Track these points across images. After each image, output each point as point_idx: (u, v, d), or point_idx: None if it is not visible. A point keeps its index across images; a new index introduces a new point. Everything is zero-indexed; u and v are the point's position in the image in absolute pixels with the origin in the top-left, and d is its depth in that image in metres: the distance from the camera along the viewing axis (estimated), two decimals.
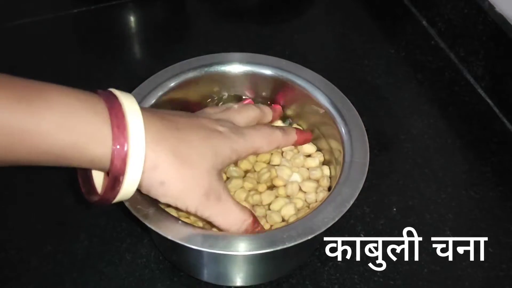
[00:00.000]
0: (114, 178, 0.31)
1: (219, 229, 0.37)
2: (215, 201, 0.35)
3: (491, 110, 0.57)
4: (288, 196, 0.43)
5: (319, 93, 0.45)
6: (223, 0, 0.71)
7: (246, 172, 0.44)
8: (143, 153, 0.31)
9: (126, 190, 0.32)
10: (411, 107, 0.58)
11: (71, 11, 0.67)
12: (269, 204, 0.42)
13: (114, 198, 0.32)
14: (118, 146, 0.30)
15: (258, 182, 0.43)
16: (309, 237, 0.35)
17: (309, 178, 0.44)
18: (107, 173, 0.32)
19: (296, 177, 0.43)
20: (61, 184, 0.49)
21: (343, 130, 0.42)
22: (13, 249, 0.44)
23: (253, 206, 0.42)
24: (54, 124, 0.29)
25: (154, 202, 0.37)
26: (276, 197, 0.42)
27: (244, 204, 0.41)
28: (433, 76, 0.61)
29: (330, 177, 0.44)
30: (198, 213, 0.35)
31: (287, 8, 0.70)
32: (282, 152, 0.46)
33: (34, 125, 0.28)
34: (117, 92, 0.32)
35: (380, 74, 0.61)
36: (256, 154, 0.41)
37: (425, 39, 0.65)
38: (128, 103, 0.32)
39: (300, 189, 0.43)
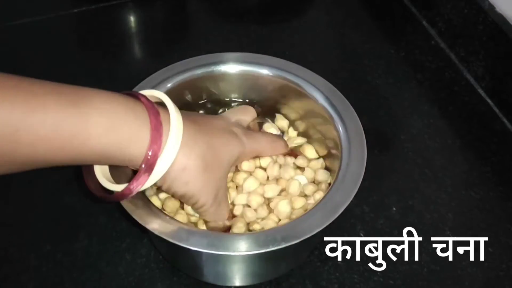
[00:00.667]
0: (140, 176, 0.33)
1: (205, 221, 0.40)
2: (218, 203, 0.39)
3: (491, 110, 0.57)
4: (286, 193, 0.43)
5: (318, 94, 0.45)
6: (223, 0, 0.71)
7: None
8: (174, 156, 0.33)
9: (145, 186, 0.34)
10: (411, 107, 0.58)
11: (71, 11, 0.67)
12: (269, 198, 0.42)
13: (132, 193, 0.34)
14: (150, 151, 0.32)
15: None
16: (307, 237, 0.35)
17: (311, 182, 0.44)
18: (133, 171, 0.35)
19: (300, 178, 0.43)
20: (61, 184, 0.49)
21: (341, 131, 0.42)
22: (12, 248, 0.44)
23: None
24: (101, 127, 0.31)
25: (153, 204, 0.37)
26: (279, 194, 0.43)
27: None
28: (433, 76, 0.61)
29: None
30: (202, 209, 0.38)
31: (287, 8, 0.70)
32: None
33: (83, 128, 0.30)
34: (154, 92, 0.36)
35: (380, 74, 0.61)
36: (258, 157, 0.44)
37: (425, 39, 0.65)
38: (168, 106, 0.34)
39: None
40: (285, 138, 0.47)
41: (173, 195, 0.38)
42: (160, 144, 0.33)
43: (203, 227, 0.40)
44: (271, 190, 0.42)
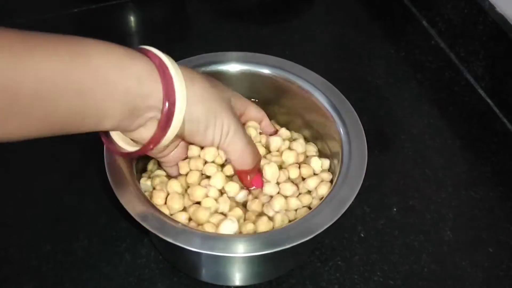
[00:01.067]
0: (164, 121, 0.33)
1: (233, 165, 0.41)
2: (242, 134, 0.39)
3: (491, 110, 0.57)
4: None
5: (319, 94, 0.45)
6: (223, 0, 0.71)
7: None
8: (185, 102, 0.34)
9: (172, 132, 0.34)
10: (411, 107, 0.58)
11: (71, 11, 0.67)
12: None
13: (160, 140, 0.34)
14: (167, 102, 0.33)
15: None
16: (308, 238, 0.35)
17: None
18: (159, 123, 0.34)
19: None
20: (61, 184, 0.49)
21: (341, 132, 0.42)
22: (12, 249, 0.44)
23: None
24: (111, 70, 0.31)
25: (153, 205, 0.37)
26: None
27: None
28: (433, 76, 0.61)
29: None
30: (228, 137, 0.38)
31: (287, 8, 0.70)
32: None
33: (93, 77, 0.30)
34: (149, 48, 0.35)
35: (380, 74, 0.61)
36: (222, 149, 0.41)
37: (425, 39, 0.65)
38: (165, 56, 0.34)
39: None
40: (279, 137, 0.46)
41: (193, 137, 0.37)
42: (174, 92, 0.33)
43: (208, 228, 0.40)
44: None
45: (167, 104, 0.33)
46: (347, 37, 0.67)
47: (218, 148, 0.39)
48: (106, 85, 0.31)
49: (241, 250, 0.34)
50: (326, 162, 0.44)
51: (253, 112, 0.44)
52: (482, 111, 0.57)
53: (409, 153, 0.53)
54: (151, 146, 0.34)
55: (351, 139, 0.41)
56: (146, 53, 0.34)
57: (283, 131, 0.46)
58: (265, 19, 0.69)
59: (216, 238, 0.35)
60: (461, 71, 0.61)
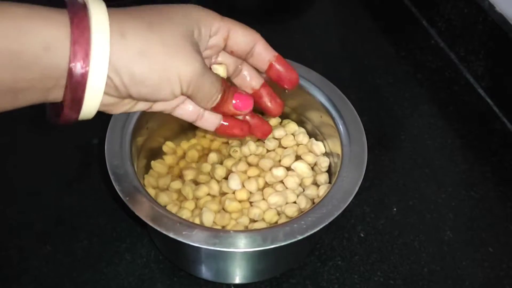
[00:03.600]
0: (71, 92, 0.28)
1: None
2: (203, 72, 0.32)
3: (491, 110, 0.57)
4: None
5: (319, 93, 0.45)
6: (223, 0, 0.71)
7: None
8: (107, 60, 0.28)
9: (91, 104, 0.29)
10: (411, 107, 0.58)
11: None
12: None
13: (72, 115, 0.29)
14: (75, 63, 0.27)
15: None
16: (304, 236, 0.35)
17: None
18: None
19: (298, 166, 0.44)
20: (61, 184, 0.49)
21: (342, 131, 0.42)
22: (13, 249, 0.44)
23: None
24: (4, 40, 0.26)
25: (154, 201, 0.37)
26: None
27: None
28: (433, 76, 0.61)
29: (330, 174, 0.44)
30: (190, 88, 0.32)
31: (287, 8, 0.70)
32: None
33: None
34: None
35: (380, 74, 0.61)
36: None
37: (425, 39, 0.65)
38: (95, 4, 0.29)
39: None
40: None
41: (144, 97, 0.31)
42: (88, 54, 0.27)
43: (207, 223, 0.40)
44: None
45: (78, 69, 0.27)
46: (347, 37, 0.67)
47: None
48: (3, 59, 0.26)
49: (241, 245, 0.35)
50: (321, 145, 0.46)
51: (240, 35, 0.35)
52: (482, 111, 0.57)
53: (409, 153, 0.53)
54: (61, 121, 0.30)
55: (351, 139, 0.41)
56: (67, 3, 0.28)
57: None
58: (265, 18, 0.69)
59: (217, 234, 0.35)
60: (461, 71, 0.61)
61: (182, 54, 0.31)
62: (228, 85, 0.35)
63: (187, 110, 0.35)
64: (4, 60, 0.26)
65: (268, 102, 0.39)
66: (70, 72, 0.27)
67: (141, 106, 0.34)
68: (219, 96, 0.34)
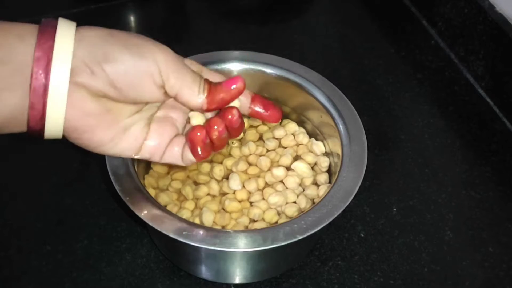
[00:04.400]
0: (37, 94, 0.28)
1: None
2: (179, 66, 0.33)
3: (491, 110, 0.57)
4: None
5: (319, 93, 0.45)
6: (223, 0, 0.71)
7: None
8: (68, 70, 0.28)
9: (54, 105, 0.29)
10: (411, 107, 0.58)
11: (71, 11, 0.67)
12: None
13: (41, 124, 0.29)
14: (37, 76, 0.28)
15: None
16: (304, 236, 0.35)
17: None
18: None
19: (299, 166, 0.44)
20: (61, 184, 0.49)
21: (342, 131, 0.42)
22: (13, 249, 0.44)
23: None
24: None
25: (154, 201, 0.37)
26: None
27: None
28: (433, 76, 0.61)
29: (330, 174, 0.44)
30: (174, 87, 0.32)
31: (287, 8, 0.70)
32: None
33: None
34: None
35: (380, 74, 0.61)
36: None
37: (425, 39, 0.65)
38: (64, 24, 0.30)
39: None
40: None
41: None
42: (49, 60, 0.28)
43: (207, 223, 0.40)
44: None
45: (40, 73, 0.28)
46: (347, 36, 0.67)
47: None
48: None
49: (241, 245, 0.35)
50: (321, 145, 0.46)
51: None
52: (482, 110, 0.57)
53: (409, 153, 0.53)
54: (29, 132, 0.30)
55: (351, 139, 0.41)
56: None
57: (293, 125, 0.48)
58: (265, 18, 0.69)
59: (218, 233, 0.35)
60: (461, 71, 0.61)
61: (158, 44, 0.32)
62: (210, 85, 0.34)
63: (174, 152, 0.35)
64: None
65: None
66: (32, 70, 0.28)
67: (126, 144, 0.33)
68: (203, 82, 0.34)
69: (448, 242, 0.46)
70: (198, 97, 0.33)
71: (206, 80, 0.34)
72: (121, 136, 0.33)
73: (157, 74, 0.31)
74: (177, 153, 0.35)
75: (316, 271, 0.44)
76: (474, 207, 0.49)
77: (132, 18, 0.69)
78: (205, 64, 0.46)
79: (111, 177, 0.38)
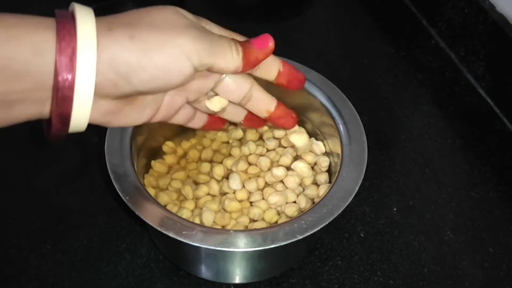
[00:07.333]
0: (62, 97, 0.27)
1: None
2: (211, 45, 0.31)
3: (491, 110, 0.57)
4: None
5: (319, 93, 0.45)
6: None
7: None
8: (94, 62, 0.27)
9: (80, 103, 0.28)
10: (411, 107, 0.58)
11: None
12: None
13: (67, 122, 0.28)
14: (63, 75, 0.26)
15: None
16: (304, 236, 0.35)
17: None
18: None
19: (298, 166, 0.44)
20: (61, 183, 0.49)
21: (342, 131, 0.42)
22: (12, 248, 0.44)
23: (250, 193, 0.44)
24: None
25: (154, 201, 0.37)
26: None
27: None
28: (433, 76, 0.61)
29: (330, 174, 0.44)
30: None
31: (287, 7, 0.70)
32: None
33: None
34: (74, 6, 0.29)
35: (380, 73, 0.61)
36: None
37: (425, 38, 0.65)
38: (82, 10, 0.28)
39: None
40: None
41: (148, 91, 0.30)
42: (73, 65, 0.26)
43: (207, 223, 0.40)
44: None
45: (64, 75, 0.26)
46: (347, 36, 0.67)
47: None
48: None
49: (241, 245, 0.35)
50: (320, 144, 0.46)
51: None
52: (482, 111, 0.57)
53: (409, 153, 0.53)
54: (52, 136, 0.29)
55: (351, 139, 0.41)
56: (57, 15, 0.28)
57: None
58: (265, 18, 0.69)
59: (217, 233, 0.35)
60: (461, 71, 0.61)
61: (177, 27, 0.29)
62: (245, 44, 0.33)
63: (184, 113, 0.35)
64: None
65: (284, 120, 0.38)
66: (56, 80, 0.26)
67: (144, 117, 0.33)
68: (233, 45, 0.32)
69: (448, 242, 0.46)
70: (233, 62, 0.32)
71: (235, 41, 0.33)
72: (142, 112, 0.33)
73: (187, 66, 0.30)
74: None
75: (316, 271, 0.44)
76: (474, 207, 0.49)
77: None
78: None
79: (111, 176, 0.38)
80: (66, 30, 0.27)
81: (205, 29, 0.32)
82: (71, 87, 0.27)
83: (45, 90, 0.27)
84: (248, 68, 0.33)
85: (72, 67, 0.26)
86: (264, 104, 0.37)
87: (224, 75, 0.34)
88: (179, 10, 0.32)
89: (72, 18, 0.28)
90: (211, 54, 0.31)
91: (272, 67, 0.36)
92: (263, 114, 0.37)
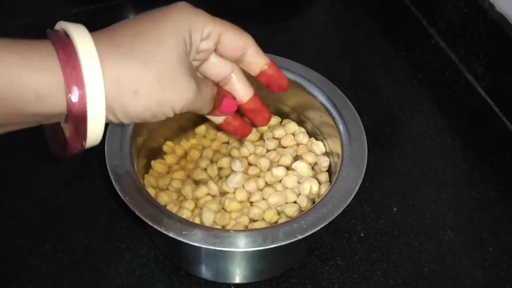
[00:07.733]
0: (75, 118, 0.28)
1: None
2: (198, 88, 0.32)
3: (491, 110, 0.57)
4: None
5: (319, 93, 0.45)
6: (223, 0, 0.71)
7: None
8: (102, 83, 0.28)
9: (94, 125, 0.29)
10: (411, 107, 0.58)
11: (70, 11, 0.67)
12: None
13: (83, 141, 0.30)
14: (73, 94, 0.27)
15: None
16: (304, 236, 0.35)
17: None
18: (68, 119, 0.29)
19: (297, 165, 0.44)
20: (61, 184, 0.49)
21: (342, 131, 0.42)
22: (12, 248, 0.44)
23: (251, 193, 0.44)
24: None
25: (154, 201, 0.37)
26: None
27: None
28: (433, 76, 0.61)
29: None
30: (191, 105, 0.32)
31: (287, 7, 0.70)
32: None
33: None
34: (66, 25, 0.30)
35: (380, 73, 0.61)
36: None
37: (425, 38, 0.65)
38: (79, 34, 0.29)
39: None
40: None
41: (145, 118, 0.31)
42: (81, 79, 0.27)
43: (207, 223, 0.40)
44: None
45: (75, 111, 0.28)
46: (347, 36, 0.67)
47: None
48: None
49: (241, 245, 0.35)
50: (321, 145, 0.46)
51: (231, 41, 0.36)
52: (482, 110, 0.57)
53: (409, 153, 0.53)
54: (72, 150, 0.31)
55: (351, 139, 0.41)
56: (52, 39, 0.29)
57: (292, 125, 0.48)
58: (265, 18, 0.69)
59: (218, 233, 0.35)
60: (461, 71, 0.61)
61: (177, 86, 0.31)
62: (219, 91, 0.36)
63: None
64: None
65: (254, 116, 0.39)
66: (69, 113, 0.28)
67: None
68: (211, 106, 0.35)
69: (448, 241, 0.46)
70: (207, 109, 0.35)
71: (216, 98, 0.36)
72: None
73: (171, 114, 0.31)
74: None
75: (316, 270, 0.44)
76: (474, 207, 0.49)
77: None
78: None
79: (111, 177, 0.38)
80: (73, 76, 0.27)
81: (198, 90, 0.32)
82: (84, 121, 0.28)
83: (45, 119, 0.29)
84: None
85: (82, 106, 0.28)
86: (240, 92, 0.38)
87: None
88: (190, 28, 0.34)
89: (74, 54, 0.28)
90: (193, 110, 0.33)
91: (254, 66, 0.37)
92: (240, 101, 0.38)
